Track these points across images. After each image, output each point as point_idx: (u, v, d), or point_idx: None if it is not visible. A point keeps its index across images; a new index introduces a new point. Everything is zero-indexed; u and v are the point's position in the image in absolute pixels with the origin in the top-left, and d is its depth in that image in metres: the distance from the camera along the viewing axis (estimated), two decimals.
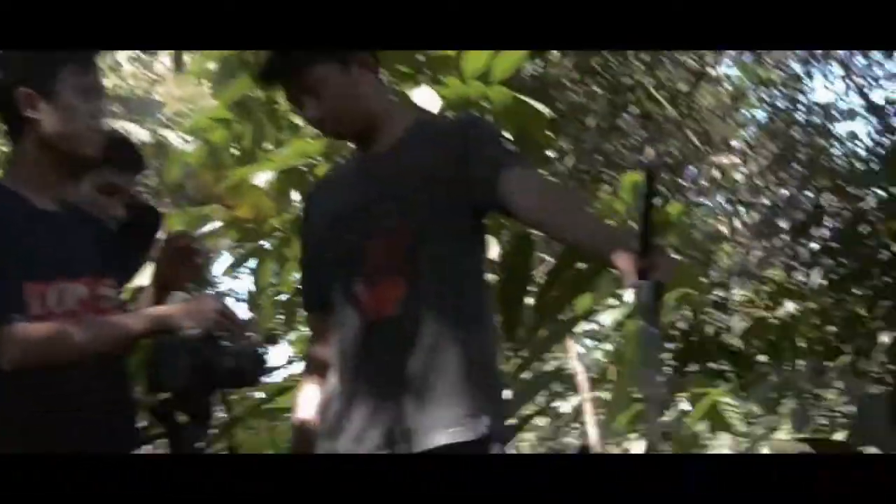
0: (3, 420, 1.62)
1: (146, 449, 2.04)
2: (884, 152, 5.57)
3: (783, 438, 4.22)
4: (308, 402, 1.86)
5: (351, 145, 2.08)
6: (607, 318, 4.00)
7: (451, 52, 3.33)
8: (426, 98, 3.08)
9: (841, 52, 7.05)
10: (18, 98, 1.66)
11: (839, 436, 3.81)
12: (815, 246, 4.79)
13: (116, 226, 2.03)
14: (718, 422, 3.88)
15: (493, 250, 2.90)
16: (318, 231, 1.88)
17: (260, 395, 3.36)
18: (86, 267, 1.71)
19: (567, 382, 3.88)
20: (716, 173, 6.78)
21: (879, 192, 4.21)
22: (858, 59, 7.55)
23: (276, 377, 3.54)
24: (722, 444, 4.14)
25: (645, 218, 1.40)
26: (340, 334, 1.77)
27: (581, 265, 2.96)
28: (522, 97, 3.22)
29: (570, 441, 5.61)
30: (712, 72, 6.61)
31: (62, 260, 1.66)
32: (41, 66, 1.72)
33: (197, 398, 1.73)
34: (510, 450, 1.83)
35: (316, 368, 1.88)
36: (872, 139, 5.54)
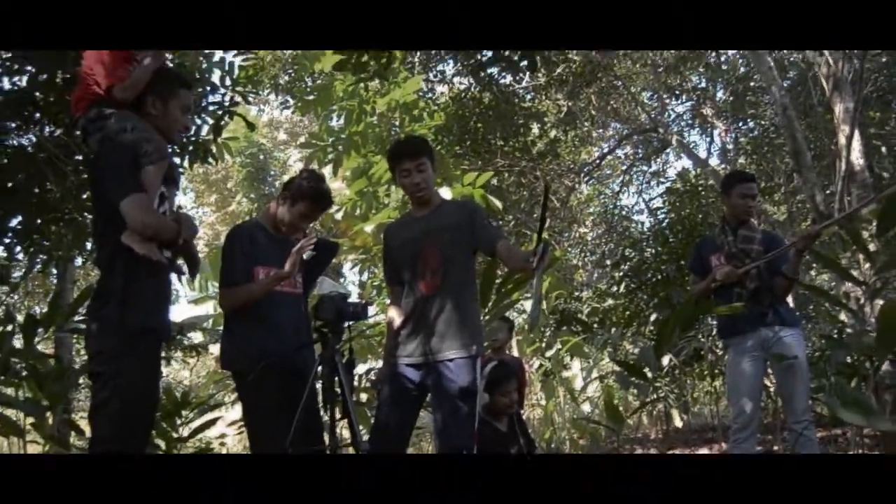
0: (234, 341, 2.49)
1: None
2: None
3: (605, 361, 7.12)
4: (391, 331, 2.62)
5: (405, 210, 3.70)
6: (526, 304, 6.83)
7: (457, 172, 6.26)
8: (444, 192, 5.65)
9: None
10: (303, 207, 2.56)
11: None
12: (620, 274, 7.43)
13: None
14: (576, 352, 6.65)
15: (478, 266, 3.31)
16: (393, 249, 2.66)
17: None
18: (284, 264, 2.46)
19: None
20: (576, 236, 10.74)
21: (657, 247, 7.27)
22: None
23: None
24: (575, 365, 7.01)
25: (542, 220, 2.08)
26: (405, 299, 2.56)
27: (516, 277, 4.18)
28: (488, 196, 6.12)
29: None
30: (578, 187, 10.69)
31: (275, 259, 2.51)
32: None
33: (335, 324, 2.52)
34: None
35: (393, 314, 2.64)
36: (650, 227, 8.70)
